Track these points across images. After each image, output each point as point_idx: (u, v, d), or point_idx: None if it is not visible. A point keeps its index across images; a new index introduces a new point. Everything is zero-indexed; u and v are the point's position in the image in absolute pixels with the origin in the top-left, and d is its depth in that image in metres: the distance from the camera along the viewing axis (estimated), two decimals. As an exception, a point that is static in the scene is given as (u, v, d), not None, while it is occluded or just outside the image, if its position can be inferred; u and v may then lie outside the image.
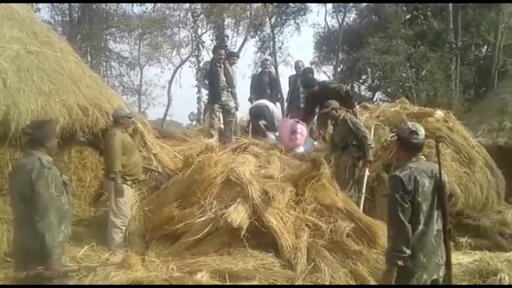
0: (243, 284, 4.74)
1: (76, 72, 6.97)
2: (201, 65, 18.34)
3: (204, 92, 18.37)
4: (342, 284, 4.75)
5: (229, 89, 8.79)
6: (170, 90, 21.05)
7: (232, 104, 8.81)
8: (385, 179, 6.60)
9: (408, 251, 3.21)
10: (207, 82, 8.96)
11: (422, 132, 3.47)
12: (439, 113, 7.26)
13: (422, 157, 3.46)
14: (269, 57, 19.49)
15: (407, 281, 3.29)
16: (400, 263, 3.26)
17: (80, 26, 18.23)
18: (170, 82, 21.00)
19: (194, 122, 15.11)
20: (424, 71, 18.21)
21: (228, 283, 4.72)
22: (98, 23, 18.75)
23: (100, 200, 6.69)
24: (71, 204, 4.29)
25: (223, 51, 9.13)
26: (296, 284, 4.75)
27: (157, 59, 20.91)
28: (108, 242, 5.84)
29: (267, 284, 4.75)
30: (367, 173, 6.50)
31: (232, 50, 18.49)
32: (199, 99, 18.24)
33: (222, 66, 8.71)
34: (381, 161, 6.71)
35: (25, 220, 3.67)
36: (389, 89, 19.90)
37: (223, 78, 8.66)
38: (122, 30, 20.19)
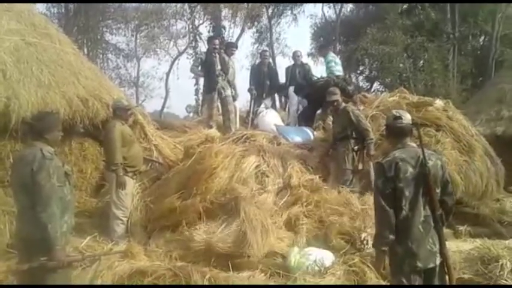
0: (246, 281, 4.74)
1: (75, 63, 6.96)
2: (197, 55, 18.27)
3: (202, 84, 18.42)
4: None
5: (226, 78, 8.75)
6: (168, 82, 21.06)
7: (228, 92, 8.76)
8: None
9: (391, 236, 3.26)
10: (200, 71, 8.94)
11: (407, 117, 3.52)
12: (439, 102, 7.25)
13: (412, 144, 3.48)
14: (267, 49, 19.40)
15: (400, 267, 3.33)
16: (384, 248, 3.34)
17: (76, 18, 18.13)
18: (168, 74, 21.03)
19: (191, 114, 15.05)
20: (421, 61, 18.20)
21: (231, 271, 4.73)
22: (94, 15, 18.66)
23: (101, 191, 6.69)
24: (74, 195, 4.30)
25: (217, 41, 9.06)
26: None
27: (154, 50, 20.90)
28: (110, 233, 5.84)
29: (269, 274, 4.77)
30: (372, 166, 6.43)
31: (229, 40, 18.44)
32: (197, 90, 18.14)
33: (218, 55, 8.66)
34: (381, 150, 6.68)
35: (27, 211, 3.67)
36: (387, 80, 19.87)
37: (219, 67, 8.62)
38: (118, 22, 20.10)
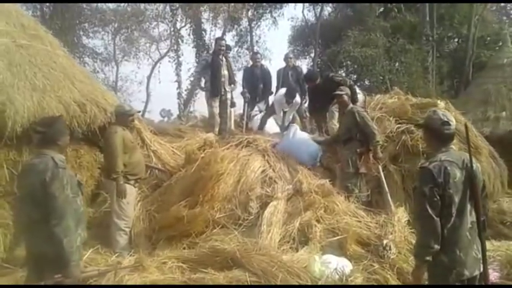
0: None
1: (67, 66, 6.62)
2: (180, 58, 18.03)
3: (184, 88, 18.14)
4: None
5: (230, 83, 8.58)
6: (149, 86, 20.68)
7: (228, 95, 8.60)
8: (392, 171, 6.53)
9: (437, 246, 3.11)
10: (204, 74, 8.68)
11: (453, 121, 3.37)
12: (441, 104, 7.23)
13: (453, 147, 3.37)
14: (259, 51, 19.06)
15: (446, 277, 3.17)
16: (428, 258, 3.17)
17: (52, 21, 17.52)
18: (149, 78, 20.65)
19: (166, 119, 14.73)
20: (402, 64, 18.30)
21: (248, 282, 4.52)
22: (70, 17, 18.08)
23: (98, 200, 6.38)
24: (85, 205, 4.05)
25: (223, 42, 8.82)
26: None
27: (134, 54, 20.43)
28: (113, 244, 5.58)
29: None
30: (381, 170, 6.34)
31: (211, 44, 18.20)
32: (179, 94, 17.82)
33: (224, 59, 8.45)
34: (388, 152, 6.61)
35: (39, 225, 3.41)
36: (366, 83, 19.92)
37: (225, 72, 8.41)
38: (96, 25, 19.56)
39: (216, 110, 8.49)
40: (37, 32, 6.70)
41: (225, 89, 8.46)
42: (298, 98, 8.94)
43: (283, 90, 8.98)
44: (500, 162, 7.20)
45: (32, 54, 6.12)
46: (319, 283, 4.52)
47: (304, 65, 23.20)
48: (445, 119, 3.29)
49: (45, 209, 3.37)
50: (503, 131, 10.39)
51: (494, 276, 4.33)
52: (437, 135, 3.32)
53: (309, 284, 4.54)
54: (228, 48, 9.65)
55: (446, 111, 3.54)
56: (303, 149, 7.12)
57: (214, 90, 8.46)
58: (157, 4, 18.35)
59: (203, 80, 8.74)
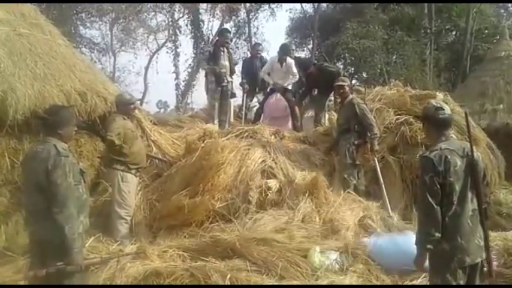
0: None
1: (68, 56, 6.60)
2: (177, 49, 17.99)
3: (182, 79, 18.09)
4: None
5: (230, 74, 8.62)
6: (147, 77, 20.63)
7: (229, 86, 8.63)
8: (391, 162, 6.59)
9: (438, 234, 3.14)
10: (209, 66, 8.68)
11: (447, 108, 3.42)
12: (439, 95, 7.27)
13: (453, 136, 3.42)
14: (260, 42, 19.05)
15: (447, 264, 3.21)
16: (429, 246, 3.20)
17: (49, 11, 17.41)
18: (147, 68, 20.61)
19: (162, 110, 14.76)
20: (400, 56, 18.33)
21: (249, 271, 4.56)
22: (67, 7, 17.97)
23: (98, 189, 6.39)
24: (88, 193, 4.07)
25: (230, 35, 8.90)
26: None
27: (132, 44, 20.36)
28: (114, 233, 5.60)
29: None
30: (376, 162, 6.39)
31: (209, 34, 18.22)
32: (177, 85, 17.83)
33: (225, 50, 8.49)
34: (386, 143, 6.66)
35: (42, 212, 3.43)
36: (363, 75, 19.92)
37: (226, 63, 8.44)
38: (93, 15, 19.45)
39: (217, 101, 8.51)
40: (37, 21, 6.68)
41: (226, 79, 8.49)
42: (293, 65, 8.65)
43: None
44: (498, 153, 7.25)
45: (32, 43, 6.09)
46: (319, 273, 4.57)
47: (302, 56, 23.16)
48: (438, 105, 3.37)
49: (47, 196, 3.38)
50: (500, 124, 10.43)
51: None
52: (433, 121, 3.37)
53: (309, 273, 4.60)
54: (230, 39, 9.69)
55: (441, 101, 3.57)
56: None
57: (216, 82, 8.47)
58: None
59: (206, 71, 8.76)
